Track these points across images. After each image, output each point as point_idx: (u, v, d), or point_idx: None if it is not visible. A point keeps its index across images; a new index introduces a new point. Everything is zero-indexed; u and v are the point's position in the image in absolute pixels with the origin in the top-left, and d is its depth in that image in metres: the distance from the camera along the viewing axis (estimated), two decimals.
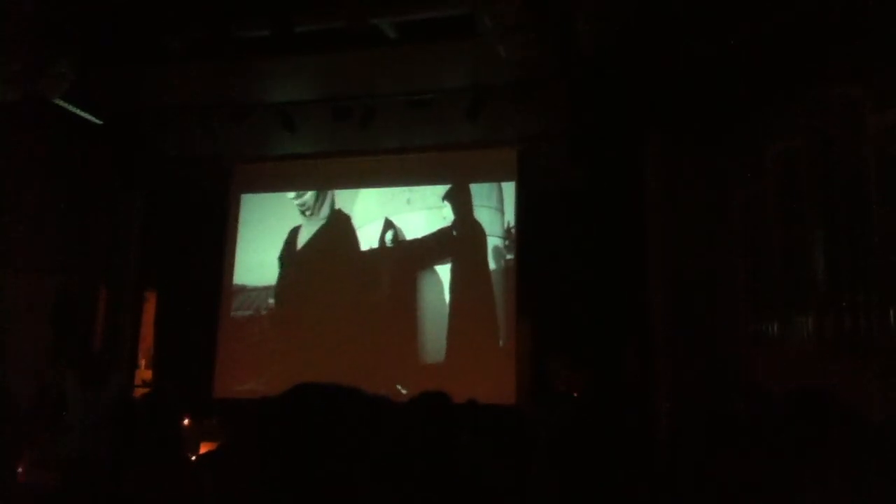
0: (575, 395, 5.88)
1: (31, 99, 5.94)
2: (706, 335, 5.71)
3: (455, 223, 7.72)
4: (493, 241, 7.55)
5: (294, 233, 8.19)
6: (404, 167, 7.91)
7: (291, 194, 8.30)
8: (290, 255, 8.16)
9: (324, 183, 8.20)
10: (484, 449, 2.58)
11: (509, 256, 7.45)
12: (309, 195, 8.25)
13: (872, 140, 4.48)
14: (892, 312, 4.23)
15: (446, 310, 7.52)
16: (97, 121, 7.30)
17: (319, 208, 8.19)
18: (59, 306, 7.07)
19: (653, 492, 2.96)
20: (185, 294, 8.15)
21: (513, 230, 7.48)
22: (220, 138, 7.28)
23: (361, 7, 5.42)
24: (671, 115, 5.82)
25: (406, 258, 7.77)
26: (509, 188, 7.59)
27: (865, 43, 4.45)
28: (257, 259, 8.19)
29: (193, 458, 3.61)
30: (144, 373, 8.29)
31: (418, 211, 7.81)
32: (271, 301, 8.12)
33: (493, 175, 7.70)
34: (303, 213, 8.24)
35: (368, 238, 7.92)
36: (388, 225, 7.86)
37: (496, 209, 7.62)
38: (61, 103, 6.65)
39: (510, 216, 7.52)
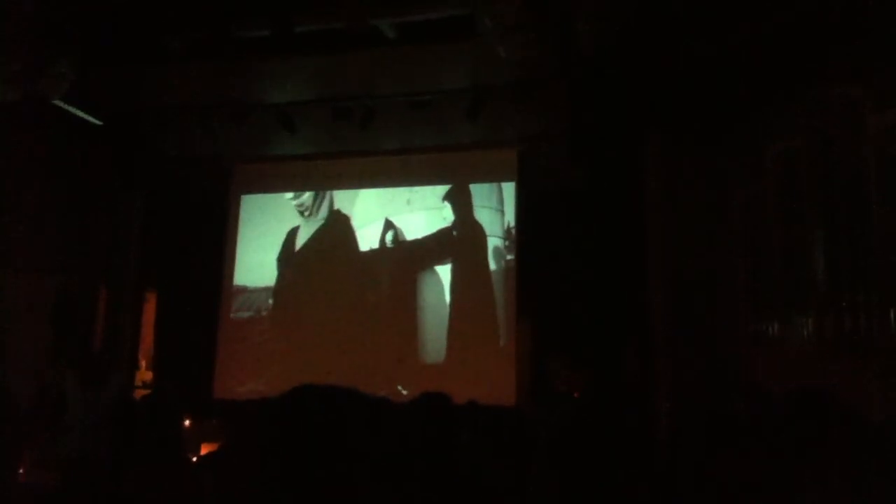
0: (575, 395, 5.88)
1: (31, 99, 5.94)
2: (706, 335, 5.71)
3: (455, 224, 7.72)
4: (494, 242, 7.56)
5: (292, 234, 8.19)
6: (404, 168, 7.91)
7: (289, 195, 8.30)
8: (288, 257, 8.16)
9: (324, 183, 8.20)
10: (484, 449, 2.58)
11: (509, 257, 7.45)
12: (307, 196, 8.24)
13: (872, 140, 4.48)
14: (892, 312, 4.23)
15: (446, 310, 7.52)
16: (97, 122, 7.31)
17: (318, 209, 8.19)
18: (59, 306, 7.08)
19: (653, 492, 2.96)
20: (185, 294, 8.15)
21: (513, 230, 7.48)
22: (220, 138, 7.29)
23: (361, 7, 5.42)
24: (671, 115, 5.82)
25: (406, 259, 7.77)
26: (509, 188, 7.59)
27: (865, 43, 4.45)
28: (258, 260, 8.19)
29: (194, 458, 3.61)
30: (145, 374, 8.28)
31: (418, 211, 7.81)
32: (271, 302, 8.12)
33: (494, 175, 7.70)
34: (301, 213, 8.24)
35: (368, 239, 7.91)
36: (389, 225, 7.86)
37: (496, 209, 7.63)
38: (61, 104, 6.65)
39: (510, 216, 7.52)
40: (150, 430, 2.62)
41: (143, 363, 8.36)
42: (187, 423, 4.39)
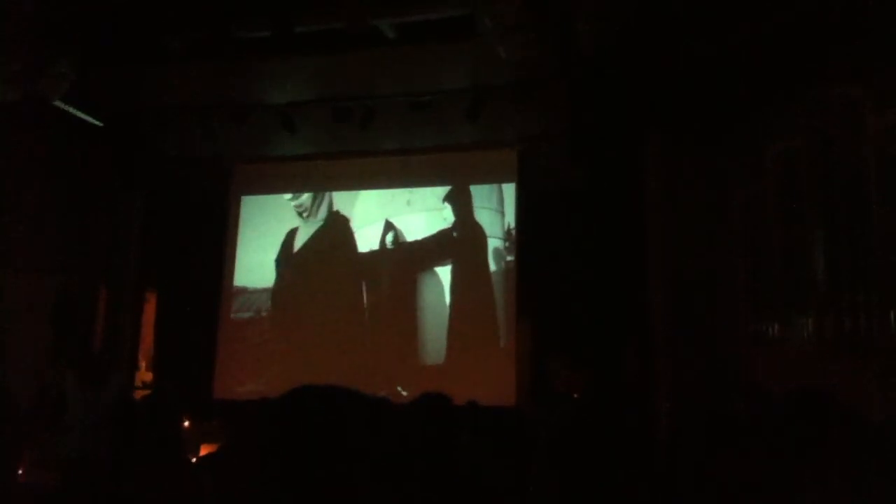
0: (575, 395, 5.88)
1: (31, 99, 5.94)
2: (706, 335, 5.71)
3: (455, 224, 7.72)
4: (494, 243, 7.56)
5: (291, 235, 8.19)
6: (404, 168, 7.91)
7: (288, 196, 8.29)
8: (287, 258, 8.16)
9: (324, 184, 8.20)
10: (484, 449, 2.58)
11: (509, 258, 7.45)
12: (306, 197, 8.24)
13: (872, 140, 4.48)
14: (892, 312, 4.23)
15: (447, 311, 7.52)
16: (97, 122, 7.31)
17: (317, 210, 8.19)
18: (59, 306, 7.07)
19: (653, 492, 2.96)
20: (185, 295, 8.15)
21: (513, 231, 7.48)
22: (220, 138, 7.28)
23: (361, 7, 5.42)
24: (671, 115, 5.82)
25: (406, 259, 7.77)
26: (509, 189, 7.59)
27: (865, 43, 4.45)
28: (258, 260, 8.19)
29: (194, 459, 3.61)
30: (145, 374, 8.28)
31: (418, 212, 7.81)
32: (271, 303, 8.12)
33: (494, 176, 7.70)
34: (300, 214, 8.24)
35: (368, 239, 7.91)
36: (389, 226, 7.86)
37: (496, 210, 7.63)
38: (61, 104, 6.65)
39: (510, 218, 7.52)
40: (150, 430, 2.62)
41: (143, 363, 8.36)
42: (187, 423, 4.39)
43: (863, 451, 1.69)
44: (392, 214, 7.87)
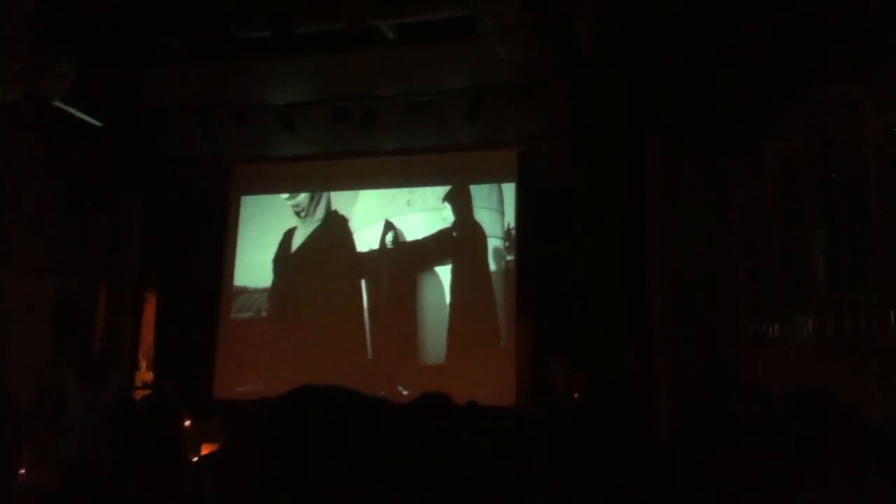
0: (575, 395, 5.88)
1: (31, 99, 5.94)
2: (706, 335, 5.71)
3: (455, 224, 7.72)
4: (494, 243, 7.56)
5: (289, 234, 8.19)
6: (404, 168, 7.91)
7: (285, 195, 8.30)
8: (285, 257, 8.15)
9: (324, 184, 8.19)
10: (484, 449, 2.58)
11: (509, 257, 7.45)
12: (303, 196, 8.24)
13: (872, 140, 4.48)
14: (892, 312, 4.23)
15: (447, 311, 7.52)
16: (97, 122, 7.31)
17: (314, 209, 8.18)
18: (59, 306, 7.08)
19: (653, 492, 2.96)
20: (185, 295, 8.15)
21: (513, 231, 7.48)
22: (220, 138, 7.28)
23: (361, 8, 5.42)
24: (671, 115, 5.82)
25: (406, 259, 7.77)
26: (509, 189, 7.59)
27: (865, 43, 4.45)
28: (258, 260, 8.19)
29: (194, 458, 3.61)
30: (145, 374, 8.29)
31: (418, 212, 7.81)
32: (269, 303, 8.12)
33: (494, 176, 7.70)
34: (297, 214, 8.24)
35: (368, 239, 7.91)
36: (389, 226, 7.85)
37: (496, 210, 7.63)
38: (61, 104, 6.65)
39: (510, 217, 7.52)
40: (150, 430, 2.62)
41: (143, 363, 8.36)
42: (187, 423, 4.39)
43: (863, 451, 1.69)
44: (392, 214, 7.87)
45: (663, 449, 4.73)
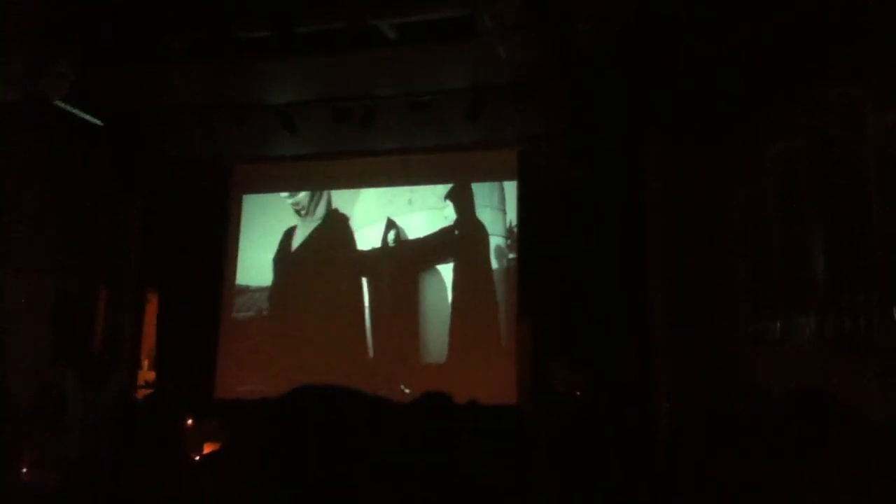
0: (576, 394, 5.88)
1: (31, 99, 5.94)
2: (706, 335, 5.71)
3: (457, 223, 7.72)
4: (495, 241, 7.56)
5: (289, 233, 8.19)
6: (405, 168, 7.91)
7: (285, 194, 8.29)
8: (284, 256, 8.15)
9: (324, 183, 8.20)
10: (484, 449, 2.58)
11: (511, 256, 7.45)
12: (303, 195, 8.24)
13: (872, 140, 4.48)
14: (892, 312, 4.23)
15: (448, 310, 7.52)
16: (97, 121, 7.31)
17: (315, 208, 8.18)
18: (59, 306, 7.07)
19: (653, 492, 2.96)
20: (185, 294, 8.15)
21: (514, 229, 7.48)
22: (220, 138, 7.28)
23: (361, 8, 5.42)
24: (671, 115, 5.82)
25: (408, 258, 7.77)
26: (511, 188, 7.59)
27: (865, 43, 4.45)
28: (258, 259, 8.19)
29: (196, 458, 3.61)
30: (147, 373, 8.29)
31: (420, 211, 7.81)
32: (269, 302, 8.12)
33: (494, 175, 7.70)
34: (297, 212, 8.23)
35: (370, 238, 7.91)
36: (391, 225, 7.85)
37: (498, 209, 7.63)
38: (61, 104, 6.65)
39: (512, 216, 7.52)
40: (151, 430, 2.62)
41: (145, 362, 8.37)
42: (188, 422, 4.40)
43: (863, 451, 1.69)
44: (394, 213, 7.87)
45: (663, 449, 4.73)
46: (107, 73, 6.45)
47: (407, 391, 7.07)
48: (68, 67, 5.82)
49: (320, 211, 8.16)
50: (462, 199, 7.74)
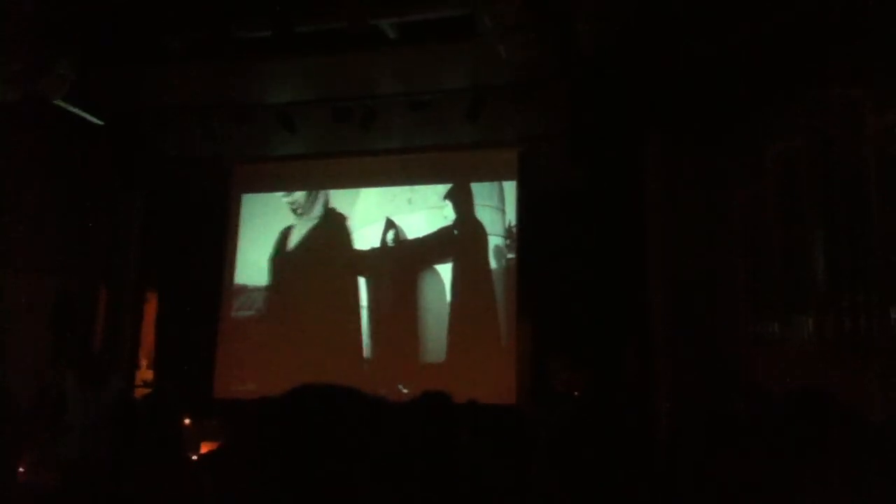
0: (575, 394, 5.88)
1: (31, 99, 5.94)
2: (706, 335, 5.71)
3: (456, 222, 7.72)
4: (495, 241, 7.55)
5: (285, 232, 8.19)
6: (404, 167, 7.91)
7: (281, 192, 8.29)
8: (281, 256, 8.15)
9: (324, 183, 8.20)
10: (484, 449, 2.58)
11: (510, 255, 7.45)
12: (299, 193, 8.24)
13: (872, 140, 4.48)
14: (892, 312, 4.23)
15: (447, 309, 7.52)
16: (97, 121, 7.31)
17: (311, 207, 8.18)
18: (59, 306, 7.07)
19: (653, 492, 2.96)
20: (185, 294, 8.15)
21: (514, 229, 7.48)
22: (220, 138, 7.28)
23: (361, 7, 5.42)
24: (671, 115, 5.82)
25: (407, 258, 7.77)
26: (510, 187, 7.59)
27: (865, 43, 4.45)
28: (258, 259, 8.19)
29: (194, 457, 3.62)
30: (146, 373, 8.29)
31: (419, 211, 7.81)
32: (266, 301, 8.11)
33: (494, 175, 7.70)
34: (294, 211, 8.23)
35: (369, 238, 7.91)
36: (390, 224, 7.85)
37: (497, 208, 7.62)
38: (61, 104, 6.65)
39: (511, 215, 7.52)
40: (150, 430, 2.63)
41: (143, 362, 8.37)
42: (187, 422, 4.39)
43: (863, 451, 1.69)
44: (393, 213, 7.87)
45: (663, 449, 4.73)
46: (107, 73, 6.45)
47: (405, 391, 7.07)
48: (68, 67, 5.82)
49: (317, 210, 8.15)
50: (461, 199, 7.74)
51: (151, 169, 8.03)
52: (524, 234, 7.41)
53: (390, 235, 7.84)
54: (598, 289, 6.53)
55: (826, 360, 4.67)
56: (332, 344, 7.57)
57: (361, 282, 7.84)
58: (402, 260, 7.78)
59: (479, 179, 7.73)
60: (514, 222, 7.49)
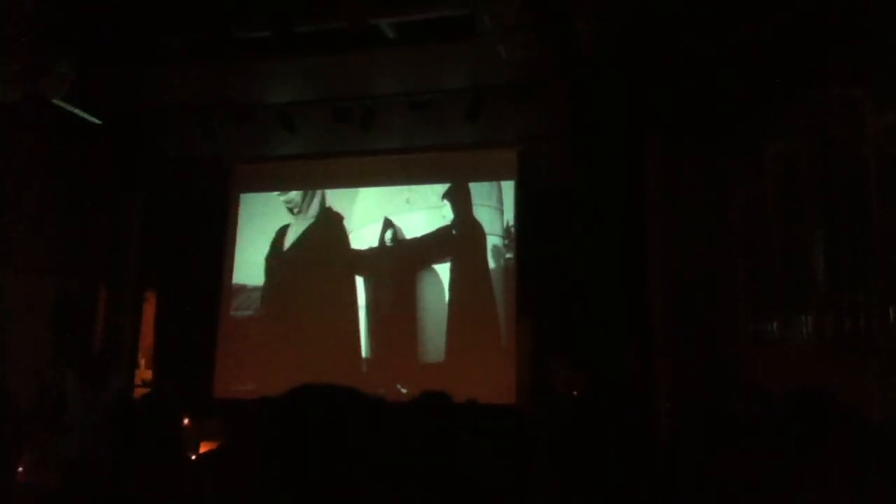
0: (575, 394, 5.88)
1: (31, 99, 5.94)
2: (706, 335, 5.71)
3: (455, 222, 7.72)
4: (493, 240, 7.55)
5: (282, 232, 8.18)
6: (404, 167, 7.91)
7: (277, 192, 8.29)
8: (277, 255, 8.15)
9: (323, 183, 8.20)
10: (484, 449, 2.58)
11: (509, 255, 7.45)
12: (295, 193, 8.24)
13: (872, 140, 4.48)
14: (892, 312, 4.23)
15: (446, 309, 7.52)
16: (97, 121, 7.31)
17: (308, 206, 8.18)
18: (59, 306, 7.07)
19: (653, 492, 2.96)
20: (185, 294, 8.15)
21: (512, 229, 7.48)
22: (220, 138, 7.28)
23: (361, 7, 5.42)
24: (671, 115, 5.82)
25: (406, 257, 7.77)
26: (509, 187, 7.59)
27: (865, 43, 4.44)
28: (257, 259, 8.19)
29: (193, 457, 3.61)
30: (144, 373, 8.29)
31: (418, 210, 7.81)
32: (262, 300, 8.11)
33: (494, 175, 7.70)
34: (290, 210, 8.23)
35: (367, 238, 7.91)
36: (388, 224, 7.85)
37: (496, 208, 7.63)
38: (61, 104, 6.65)
39: (510, 215, 7.52)
40: (150, 430, 2.62)
41: (142, 361, 8.37)
42: (187, 422, 4.39)
43: (863, 451, 1.69)
44: (391, 212, 7.87)
45: (663, 449, 4.73)
46: (107, 73, 6.45)
47: (404, 391, 7.07)
48: (68, 67, 5.82)
49: (314, 209, 8.15)
50: (460, 199, 7.74)
51: (151, 169, 8.03)
52: (523, 234, 7.41)
53: (389, 235, 7.84)
54: (597, 289, 6.53)
55: (826, 359, 4.67)
56: (331, 344, 7.57)
57: (360, 281, 7.84)
58: (401, 260, 7.78)
59: (478, 179, 7.73)
60: (511, 222, 7.49)
